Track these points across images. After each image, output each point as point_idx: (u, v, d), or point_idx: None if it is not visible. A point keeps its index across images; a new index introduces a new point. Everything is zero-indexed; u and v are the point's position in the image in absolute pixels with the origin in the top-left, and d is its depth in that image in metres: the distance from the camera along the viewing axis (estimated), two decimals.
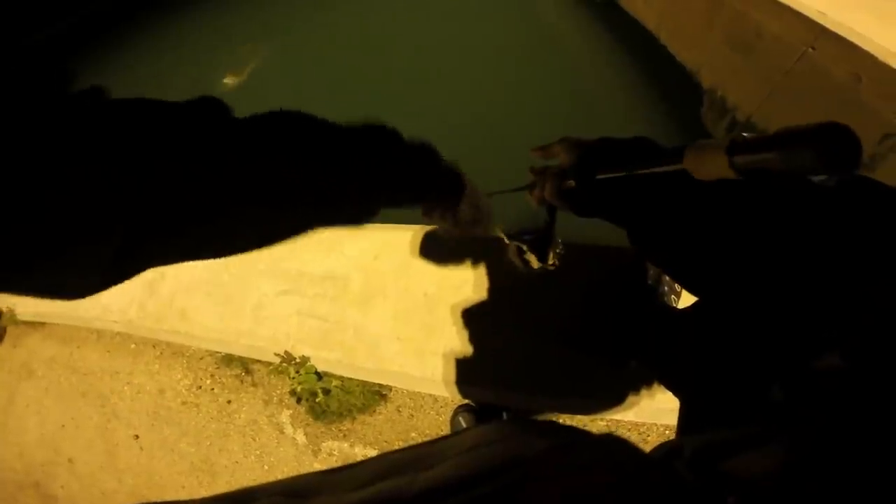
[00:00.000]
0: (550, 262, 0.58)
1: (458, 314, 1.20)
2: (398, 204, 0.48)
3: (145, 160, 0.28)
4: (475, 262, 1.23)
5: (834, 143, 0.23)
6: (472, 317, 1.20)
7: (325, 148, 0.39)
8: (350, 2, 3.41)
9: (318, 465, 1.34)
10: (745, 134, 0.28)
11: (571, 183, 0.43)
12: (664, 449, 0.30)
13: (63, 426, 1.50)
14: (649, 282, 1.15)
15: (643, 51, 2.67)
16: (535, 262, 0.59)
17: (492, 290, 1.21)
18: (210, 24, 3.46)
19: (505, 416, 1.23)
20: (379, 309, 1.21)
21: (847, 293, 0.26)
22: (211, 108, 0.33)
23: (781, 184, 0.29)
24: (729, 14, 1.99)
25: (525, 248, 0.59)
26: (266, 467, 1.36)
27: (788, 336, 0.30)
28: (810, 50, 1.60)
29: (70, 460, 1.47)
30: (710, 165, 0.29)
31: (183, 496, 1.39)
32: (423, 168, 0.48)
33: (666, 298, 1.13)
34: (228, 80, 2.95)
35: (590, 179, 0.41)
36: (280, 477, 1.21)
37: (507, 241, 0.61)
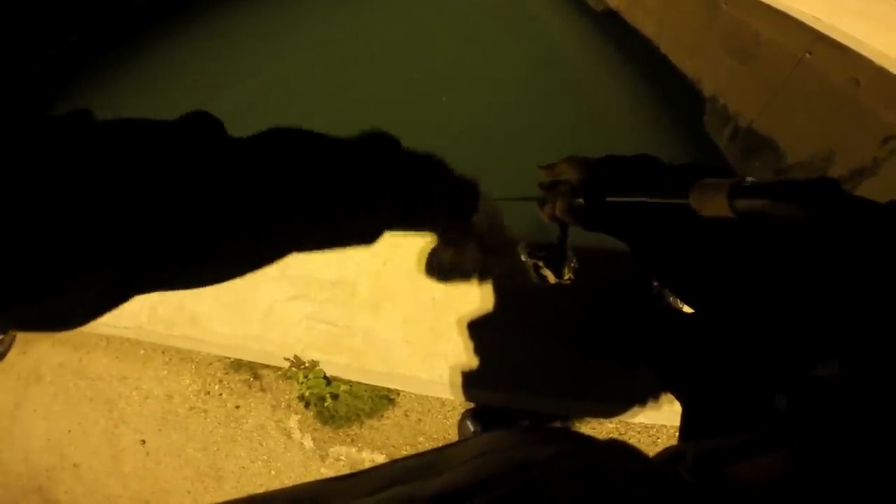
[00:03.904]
0: (566, 277, 0.61)
1: (467, 319, 1.21)
2: (412, 217, 0.48)
3: (150, 184, 0.27)
4: (483, 267, 1.25)
5: (821, 201, 0.25)
6: (480, 321, 1.20)
7: (335, 165, 0.38)
8: (356, 17, 3.47)
9: (325, 471, 1.34)
10: (748, 178, 0.29)
11: (581, 201, 0.45)
12: (667, 454, 0.31)
13: (69, 431, 1.50)
14: (655, 284, 1.16)
15: (644, 60, 2.71)
16: (551, 278, 0.61)
17: (499, 294, 1.22)
18: (212, 32, 3.50)
19: (525, 423, 1.23)
20: (388, 313, 1.22)
21: (844, 305, 0.26)
22: (216, 128, 0.33)
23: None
24: (727, 22, 2.03)
25: (541, 264, 0.61)
26: (273, 472, 1.35)
27: (788, 346, 0.31)
28: (807, 55, 1.63)
29: (75, 465, 1.47)
30: (711, 205, 0.31)
31: (188, 501, 1.38)
32: (436, 179, 0.48)
33: (671, 301, 1.14)
34: (229, 92, 2.97)
35: (598, 200, 0.43)
36: (286, 482, 1.21)
37: (523, 258, 0.63)
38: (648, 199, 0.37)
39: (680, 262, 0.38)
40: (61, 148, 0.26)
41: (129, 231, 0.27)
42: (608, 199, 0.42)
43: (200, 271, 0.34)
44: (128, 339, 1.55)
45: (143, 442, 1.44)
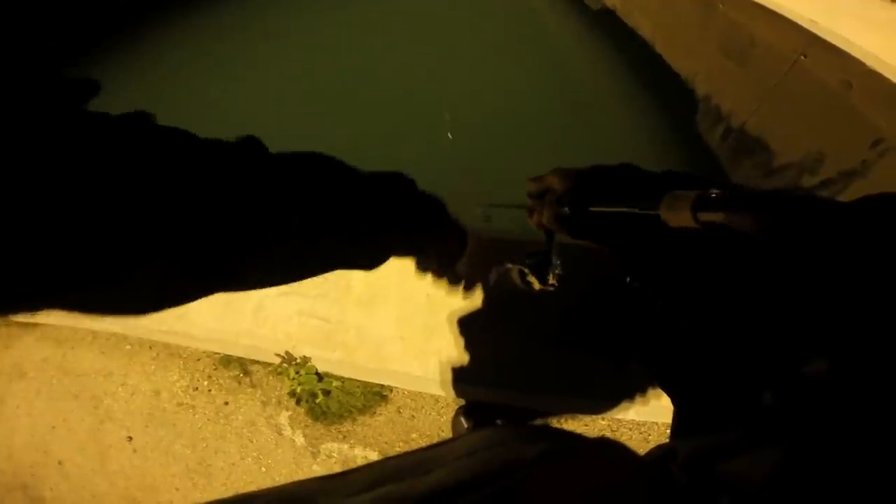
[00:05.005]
0: (550, 283, 0.62)
1: (460, 316, 1.20)
2: (408, 231, 0.51)
3: (198, 199, 0.30)
4: (476, 265, 1.24)
5: (773, 214, 0.25)
6: (474, 318, 1.20)
7: (347, 193, 0.42)
8: (349, 18, 3.42)
9: (316, 467, 1.33)
10: (713, 191, 0.29)
11: (566, 210, 0.47)
12: (659, 451, 0.30)
13: (54, 428, 1.47)
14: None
15: (639, 59, 2.72)
16: (536, 284, 0.63)
17: (492, 292, 1.21)
18: (211, 30, 3.43)
19: (499, 422, 1.23)
20: (381, 310, 1.21)
21: (832, 301, 0.26)
22: (259, 150, 0.36)
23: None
24: (723, 23, 2.04)
25: (526, 271, 0.63)
26: (264, 469, 1.34)
27: (777, 343, 0.31)
28: (802, 58, 1.64)
29: (60, 462, 1.44)
30: (678, 217, 0.31)
31: (177, 498, 1.36)
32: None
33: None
34: (217, 91, 2.89)
35: (582, 210, 0.45)
36: (277, 479, 1.19)
37: (509, 264, 0.65)
38: (626, 210, 0.39)
39: (661, 269, 0.40)
40: (119, 149, 0.29)
41: (178, 235, 0.31)
42: (591, 209, 0.44)
43: (248, 275, 0.38)
44: (114, 334, 1.51)
45: (130, 439, 1.41)
